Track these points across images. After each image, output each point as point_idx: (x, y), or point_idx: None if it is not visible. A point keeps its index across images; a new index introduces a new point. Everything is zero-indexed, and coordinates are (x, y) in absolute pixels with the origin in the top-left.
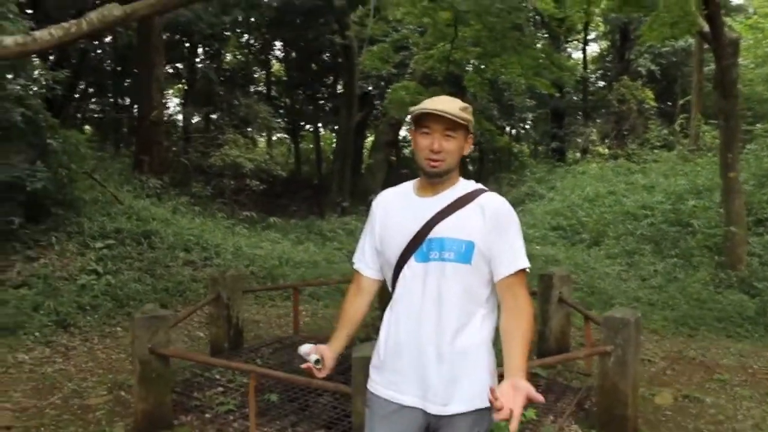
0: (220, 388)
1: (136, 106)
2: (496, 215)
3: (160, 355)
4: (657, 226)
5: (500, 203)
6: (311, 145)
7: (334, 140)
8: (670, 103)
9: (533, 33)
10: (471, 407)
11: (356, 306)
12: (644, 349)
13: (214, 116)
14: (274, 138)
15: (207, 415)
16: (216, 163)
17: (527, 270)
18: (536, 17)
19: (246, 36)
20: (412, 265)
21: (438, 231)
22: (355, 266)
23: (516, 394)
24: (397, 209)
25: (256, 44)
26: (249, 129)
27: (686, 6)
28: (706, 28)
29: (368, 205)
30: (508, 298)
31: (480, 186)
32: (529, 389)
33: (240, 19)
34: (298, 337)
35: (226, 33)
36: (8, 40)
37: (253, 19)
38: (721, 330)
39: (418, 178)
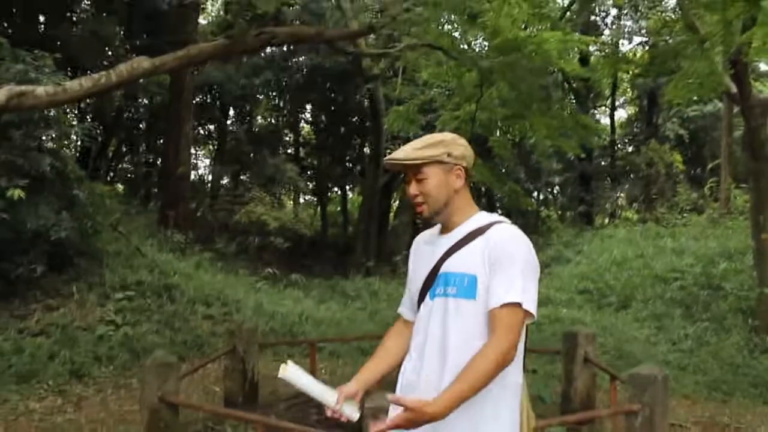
0: None
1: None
2: (498, 247)
3: (169, 403)
4: (687, 289)
5: (507, 235)
6: (338, 208)
7: (361, 203)
8: (699, 169)
9: (560, 98)
10: None
11: (395, 343)
12: (675, 414)
13: (242, 177)
14: (301, 200)
15: None
16: (241, 220)
17: (526, 309)
18: (564, 83)
19: (276, 99)
20: (426, 302)
21: (445, 267)
22: (399, 311)
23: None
24: (423, 250)
25: (285, 107)
26: (275, 189)
27: (712, 66)
28: (734, 89)
29: (393, 266)
30: (489, 332)
31: (496, 218)
32: (413, 414)
33: (271, 81)
34: None
35: (258, 96)
36: (39, 90)
37: (284, 82)
38: (757, 396)
39: None
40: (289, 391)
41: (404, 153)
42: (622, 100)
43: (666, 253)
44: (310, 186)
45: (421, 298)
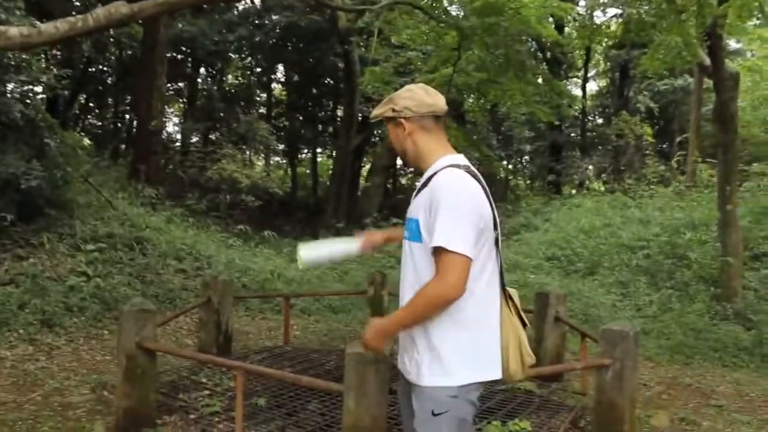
0: (206, 391)
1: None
2: (433, 193)
3: (146, 349)
4: (653, 258)
5: (439, 183)
6: (308, 171)
7: (332, 165)
8: (666, 142)
9: (535, 66)
10: (424, 382)
11: None
12: (639, 375)
13: (212, 136)
14: (272, 161)
15: (191, 416)
16: (213, 177)
17: (450, 250)
18: (538, 53)
19: (249, 57)
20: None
21: (407, 213)
22: None
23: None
24: None
25: (258, 66)
26: (247, 148)
27: (688, 37)
28: (707, 61)
29: (363, 228)
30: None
31: (448, 162)
32: (367, 329)
33: (244, 39)
34: (288, 348)
35: (230, 54)
36: (13, 31)
37: (257, 39)
38: (716, 359)
39: None
40: (261, 343)
41: (375, 111)
42: (593, 72)
43: (633, 223)
44: (281, 146)
45: None
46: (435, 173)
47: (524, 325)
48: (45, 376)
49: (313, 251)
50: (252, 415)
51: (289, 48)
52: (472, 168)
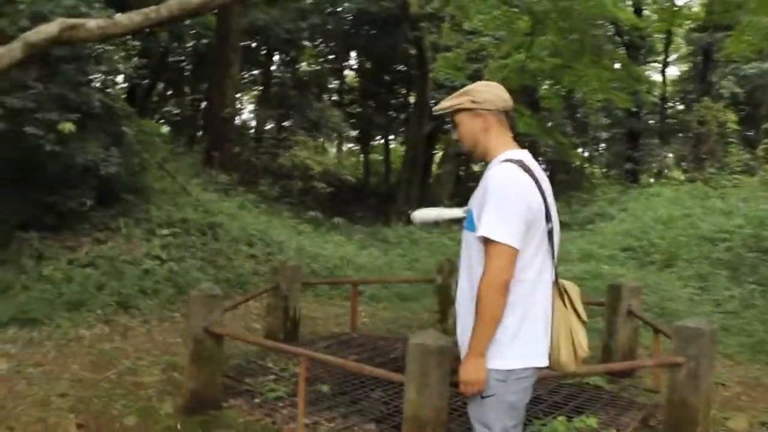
0: (272, 376)
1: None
2: (484, 186)
3: (213, 334)
4: (734, 251)
5: (489, 176)
6: (380, 157)
7: (404, 151)
8: (752, 129)
9: (612, 51)
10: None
11: None
12: (716, 373)
13: (286, 123)
14: (344, 148)
15: (256, 400)
16: (285, 164)
17: (494, 240)
18: (616, 37)
19: (322, 45)
20: None
21: (469, 204)
22: None
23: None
24: None
25: (331, 53)
26: (319, 135)
27: None
28: None
29: None
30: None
31: (506, 156)
32: (462, 373)
33: (316, 26)
34: (355, 334)
35: (303, 41)
36: (91, 23)
37: (329, 26)
38: None
39: None
40: (329, 330)
41: (440, 104)
42: (674, 56)
43: (714, 214)
44: (354, 133)
45: None
46: (489, 167)
47: (580, 318)
48: (119, 356)
49: (424, 212)
50: (315, 402)
51: (361, 35)
52: (527, 162)
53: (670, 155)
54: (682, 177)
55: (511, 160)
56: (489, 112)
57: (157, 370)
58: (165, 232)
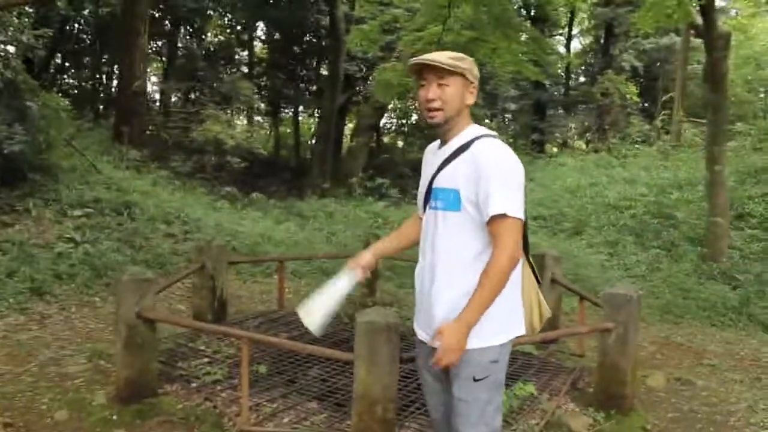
0: (206, 359)
1: (115, 77)
2: (479, 161)
3: (146, 319)
4: (639, 217)
5: (487, 150)
6: (288, 130)
7: (313, 124)
8: (650, 101)
9: (520, 23)
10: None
11: (411, 230)
12: None
13: (192, 96)
14: (254, 121)
15: (193, 385)
16: (198, 139)
17: (511, 216)
18: (521, 10)
19: (229, 14)
20: (427, 212)
21: (437, 181)
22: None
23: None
24: (428, 160)
25: (238, 24)
26: (230, 108)
27: None
28: (699, 20)
29: (349, 188)
30: (492, 242)
31: (482, 132)
32: (444, 337)
33: None
34: (283, 312)
35: (209, 11)
36: None
37: None
38: (705, 319)
39: None
40: (254, 308)
41: (440, 57)
42: (577, 30)
43: (618, 183)
44: (263, 106)
45: (424, 207)
46: (470, 142)
47: (538, 282)
48: (39, 346)
49: (315, 313)
50: (254, 383)
51: (271, 5)
52: None
53: (573, 126)
54: (584, 147)
55: (493, 136)
56: (476, 90)
57: (81, 358)
58: (77, 212)
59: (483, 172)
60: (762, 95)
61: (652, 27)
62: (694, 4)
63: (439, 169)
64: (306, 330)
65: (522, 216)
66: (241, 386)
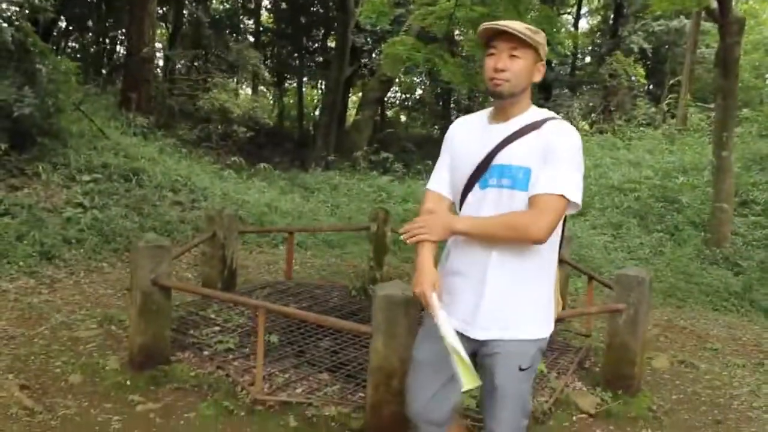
0: (217, 328)
1: (119, 43)
2: (551, 141)
3: (162, 286)
4: (643, 200)
5: (561, 132)
6: (292, 101)
7: (316, 96)
8: (654, 84)
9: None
10: (509, 336)
11: (440, 209)
12: None
13: (197, 63)
14: (259, 90)
15: (205, 353)
16: (204, 107)
17: (571, 200)
18: None
19: None
20: (476, 191)
21: (500, 158)
22: (430, 187)
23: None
24: (469, 136)
25: None
26: (237, 77)
27: None
28: (714, 4)
29: (353, 162)
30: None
31: (550, 114)
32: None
33: None
34: (291, 283)
35: None
36: None
37: None
38: (707, 303)
39: (493, 106)
40: (261, 278)
41: (517, 25)
42: (585, 9)
43: (623, 165)
44: (268, 76)
45: (470, 186)
46: (542, 122)
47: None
48: (50, 310)
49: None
50: (266, 353)
51: None
52: None
53: (576, 105)
54: (588, 128)
55: (561, 120)
56: (543, 69)
57: (92, 323)
58: (86, 178)
59: (554, 151)
60: None
61: (667, 9)
62: None
63: (503, 145)
64: (313, 303)
65: (579, 201)
66: (256, 356)
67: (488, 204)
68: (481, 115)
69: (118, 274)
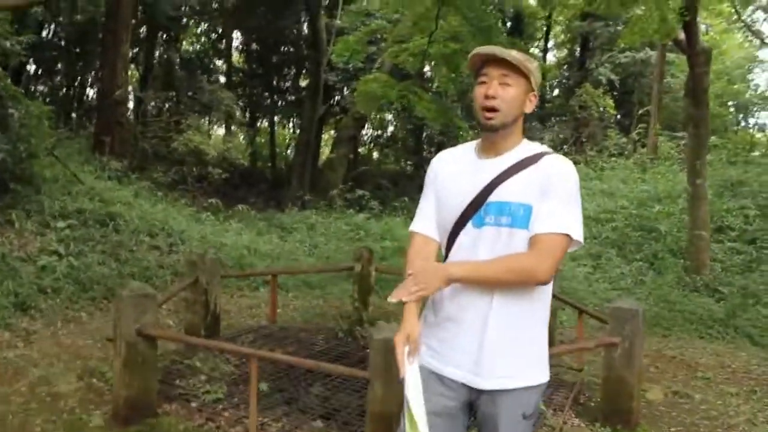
0: (203, 377)
1: (89, 86)
2: (551, 177)
3: (148, 336)
4: (620, 230)
5: (560, 167)
6: (263, 140)
7: (288, 135)
8: (623, 115)
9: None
10: (512, 384)
11: (428, 254)
12: None
13: (167, 105)
14: (232, 130)
15: (193, 404)
16: (178, 149)
17: (574, 239)
18: (497, 22)
19: (206, 23)
20: (469, 230)
21: (497, 195)
22: (416, 229)
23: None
24: (457, 171)
25: (214, 33)
26: (210, 118)
27: (665, 13)
28: (682, 35)
29: (329, 200)
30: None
31: (544, 148)
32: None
33: (206, 4)
34: (275, 326)
35: (186, 19)
36: None
37: (216, 5)
38: (693, 331)
39: (480, 139)
40: (244, 322)
41: (511, 53)
42: (552, 42)
43: (597, 195)
44: (241, 116)
45: (461, 225)
46: (539, 156)
47: None
48: (27, 364)
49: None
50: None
51: (250, 14)
52: None
53: (547, 138)
54: None
55: (559, 155)
56: (535, 99)
57: (72, 377)
58: (61, 224)
59: (553, 187)
60: (732, 109)
61: (636, 42)
62: (677, 21)
63: (499, 180)
64: (299, 347)
65: (581, 239)
66: (249, 406)
67: (485, 243)
68: (467, 149)
69: (97, 324)
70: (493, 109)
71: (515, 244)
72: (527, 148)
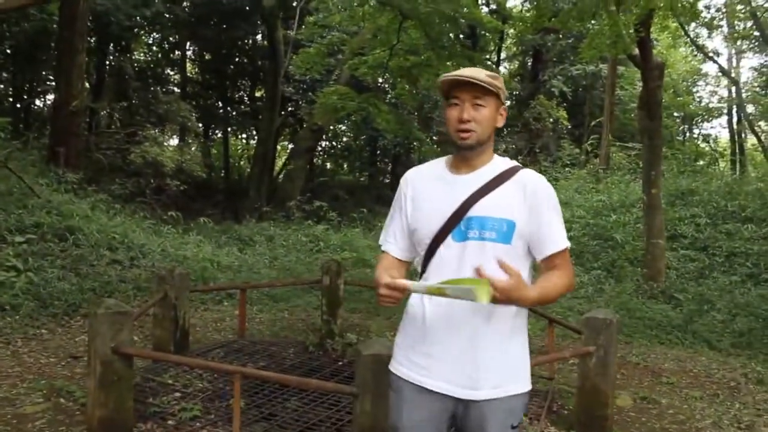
0: (177, 394)
1: (36, 95)
2: (536, 193)
3: (123, 354)
4: (577, 239)
5: (540, 180)
6: (215, 151)
7: (241, 146)
8: (574, 126)
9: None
10: (502, 393)
11: (396, 274)
12: None
13: (117, 116)
14: (187, 142)
15: (170, 422)
16: (134, 160)
17: (567, 248)
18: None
19: (160, 33)
20: (450, 244)
21: (478, 209)
22: (384, 248)
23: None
24: (431, 187)
25: (166, 43)
26: (165, 129)
27: (619, 29)
28: (636, 51)
29: (287, 212)
30: (553, 269)
31: (514, 163)
32: (506, 285)
33: (161, 14)
34: (245, 341)
35: (139, 29)
36: None
37: (169, 15)
38: (653, 337)
39: (451, 155)
40: (211, 337)
41: (479, 74)
42: (503, 55)
43: None
44: (195, 127)
45: (440, 239)
46: (514, 170)
47: None
48: None
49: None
50: (232, 419)
51: (200, 24)
52: None
53: (502, 149)
54: None
55: (529, 169)
56: (505, 113)
57: (38, 397)
58: (18, 239)
59: (542, 204)
60: (678, 120)
61: (594, 56)
62: (632, 37)
63: (478, 195)
64: (271, 362)
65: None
66: (233, 424)
67: (469, 257)
68: (437, 165)
69: (59, 341)
70: (468, 131)
71: (499, 257)
72: (500, 163)
